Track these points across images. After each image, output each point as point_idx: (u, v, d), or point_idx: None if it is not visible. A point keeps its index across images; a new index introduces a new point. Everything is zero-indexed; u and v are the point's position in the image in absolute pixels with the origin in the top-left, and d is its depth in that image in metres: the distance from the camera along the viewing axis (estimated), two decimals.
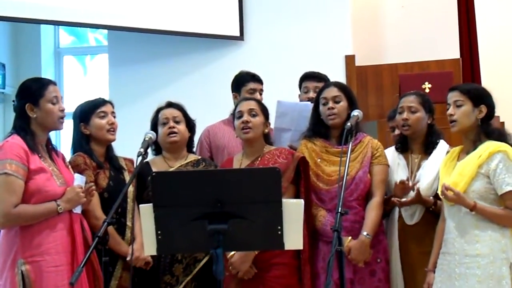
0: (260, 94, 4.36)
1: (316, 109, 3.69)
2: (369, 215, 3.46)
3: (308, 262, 3.45)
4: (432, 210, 3.49)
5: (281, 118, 4.04)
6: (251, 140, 3.59)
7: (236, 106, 3.69)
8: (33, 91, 3.17)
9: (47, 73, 8.14)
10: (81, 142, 3.56)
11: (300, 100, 4.42)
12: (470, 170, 3.14)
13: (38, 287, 2.97)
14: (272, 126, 3.98)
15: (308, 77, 4.45)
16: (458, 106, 3.24)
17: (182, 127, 3.72)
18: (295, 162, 3.49)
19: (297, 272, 3.47)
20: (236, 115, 3.63)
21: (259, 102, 3.72)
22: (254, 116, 3.56)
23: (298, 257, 3.45)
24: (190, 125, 3.81)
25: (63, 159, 3.37)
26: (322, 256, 3.49)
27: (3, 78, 8.07)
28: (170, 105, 3.79)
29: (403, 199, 3.49)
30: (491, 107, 3.25)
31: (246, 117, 3.54)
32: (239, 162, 3.64)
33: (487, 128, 3.23)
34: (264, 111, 3.65)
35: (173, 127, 3.68)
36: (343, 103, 3.59)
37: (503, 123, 5.64)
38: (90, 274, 3.16)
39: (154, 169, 3.59)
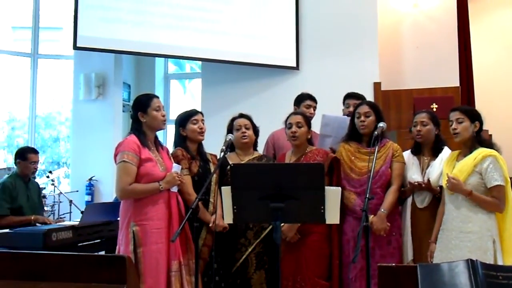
0: (314, 110, 4.29)
1: (352, 121, 3.61)
2: (387, 198, 3.39)
3: (336, 232, 3.41)
4: (437, 197, 3.37)
5: (325, 127, 3.97)
6: (298, 145, 3.54)
7: (287, 118, 3.62)
8: (143, 103, 3.20)
9: (159, 92, 8.30)
10: (180, 140, 3.56)
11: (343, 113, 4.31)
12: (467, 168, 3.09)
13: (144, 242, 3.01)
14: (317, 132, 3.92)
15: (350, 96, 4.35)
16: (460, 123, 3.18)
17: (250, 132, 3.66)
18: (328, 160, 3.45)
19: (328, 239, 3.42)
20: (287, 125, 3.57)
21: (304, 116, 3.64)
22: (300, 127, 3.50)
23: (329, 228, 3.39)
24: (256, 130, 3.74)
25: (167, 152, 3.37)
26: (351, 228, 3.41)
27: (128, 95, 8.25)
28: (241, 115, 3.73)
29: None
30: (481, 123, 3.21)
31: (294, 128, 3.50)
32: (289, 157, 3.59)
33: (480, 139, 3.19)
34: (307, 122, 3.58)
35: (245, 132, 3.63)
36: (372, 117, 3.49)
37: (491, 135, 5.46)
38: (183, 236, 3.16)
39: (230, 162, 3.54)
